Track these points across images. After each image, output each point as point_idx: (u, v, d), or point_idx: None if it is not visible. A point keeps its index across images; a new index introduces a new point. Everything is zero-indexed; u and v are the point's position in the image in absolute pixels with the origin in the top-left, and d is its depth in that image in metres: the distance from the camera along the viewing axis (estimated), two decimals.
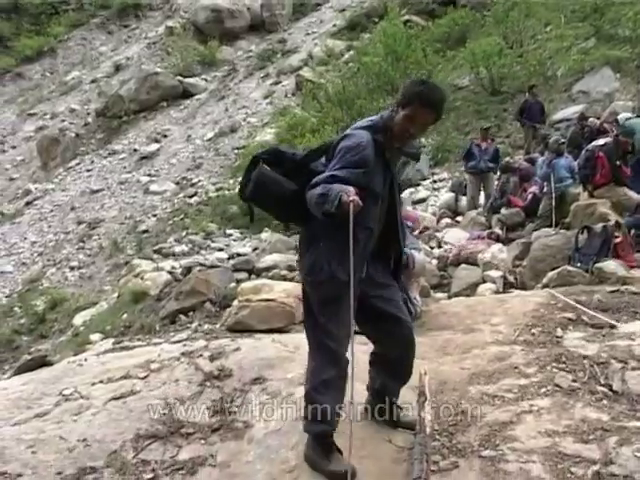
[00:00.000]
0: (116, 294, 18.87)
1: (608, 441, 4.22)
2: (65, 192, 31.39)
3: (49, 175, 33.54)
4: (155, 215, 27.33)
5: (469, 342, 6.05)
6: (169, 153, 32.09)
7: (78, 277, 24.52)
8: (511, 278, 10.73)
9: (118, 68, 40.46)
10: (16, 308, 22.55)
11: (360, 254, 4.15)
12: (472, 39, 27.69)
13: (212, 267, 16.47)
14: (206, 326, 10.53)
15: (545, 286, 8.57)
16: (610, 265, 8.46)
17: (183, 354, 6.34)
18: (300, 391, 5.08)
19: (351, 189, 3.83)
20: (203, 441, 4.99)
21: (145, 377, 5.96)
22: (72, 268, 25.26)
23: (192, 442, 5.01)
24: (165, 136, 33.66)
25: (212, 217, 24.17)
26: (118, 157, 33.05)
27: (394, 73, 26.27)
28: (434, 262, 12.09)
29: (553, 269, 9.16)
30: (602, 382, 4.95)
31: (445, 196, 18.06)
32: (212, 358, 6.09)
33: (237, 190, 4.64)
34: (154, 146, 32.85)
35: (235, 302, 9.11)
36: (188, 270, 16.69)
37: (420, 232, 14.27)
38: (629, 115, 14.15)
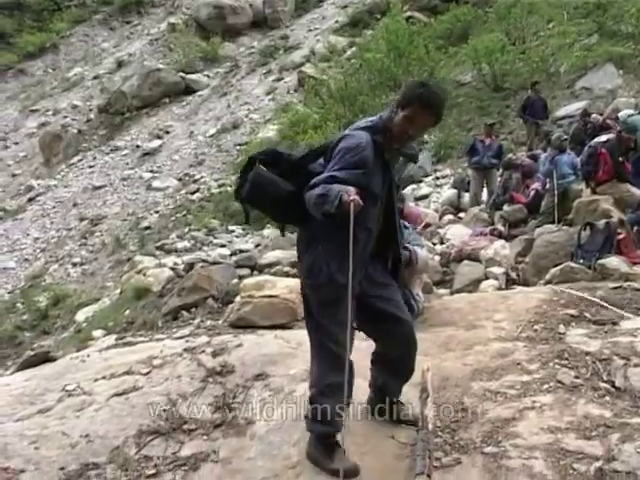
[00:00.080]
0: (118, 290, 18.90)
1: (611, 437, 4.21)
2: (67, 188, 31.38)
3: (51, 171, 33.52)
4: (157, 211, 27.34)
5: (471, 338, 6.04)
6: (171, 149, 32.08)
7: (80, 273, 24.54)
8: (513, 275, 10.73)
9: (120, 64, 40.42)
10: (19, 304, 22.58)
11: (360, 255, 4.14)
12: (474, 35, 27.66)
13: (214, 263, 16.49)
14: (208, 322, 10.50)
15: (548, 282, 8.56)
16: (613, 261, 8.46)
17: (185, 350, 6.34)
18: (302, 387, 5.09)
19: (351, 189, 3.82)
20: (205, 437, 5.00)
21: (147, 373, 5.96)
22: (74, 264, 25.28)
23: (194, 438, 5.01)
24: (167, 132, 33.63)
25: (214, 213, 24.18)
26: (120, 153, 33.02)
27: (396, 69, 26.26)
28: (437, 258, 12.09)
29: (556, 266, 9.14)
30: (605, 379, 4.95)
31: (447, 192, 18.03)
32: (214, 354, 6.09)
33: (233, 191, 4.60)
34: (156, 142, 32.84)
35: (237, 298, 9.10)
36: (190, 266, 16.71)
37: (422, 228, 14.29)
38: (630, 112, 14.13)
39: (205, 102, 35.60)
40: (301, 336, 5.61)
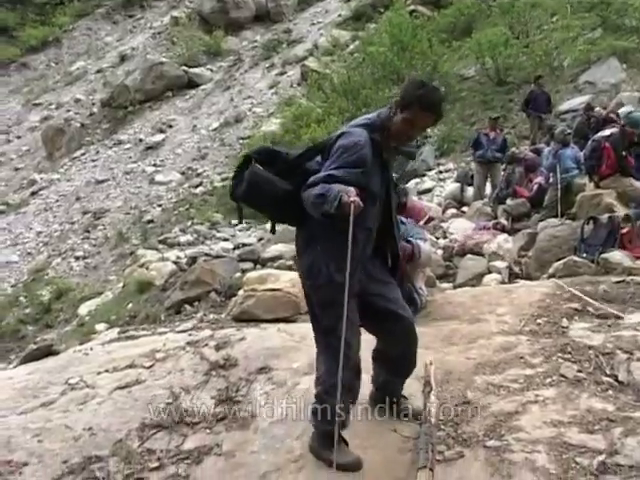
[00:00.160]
0: (121, 284, 18.92)
1: (613, 431, 4.21)
2: (70, 182, 31.38)
3: (54, 165, 33.52)
4: (160, 205, 27.35)
5: (475, 332, 6.04)
6: (174, 143, 32.07)
7: (83, 267, 24.56)
8: (516, 269, 10.72)
9: (123, 58, 40.38)
10: (22, 298, 22.61)
11: (359, 255, 4.13)
12: (478, 29, 27.56)
13: (217, 257, 16.51)
14: (211, 316, 10.51)
15: (551, 276, 8.56)
16: (616, 256, 8.45)
17: (188, 343, 6.35)
18: (305, 381, 5.10)
19: (352, 190, 3.80)
20: (208, 430, 5.01)
21: (150, 366, 5.98)
22: (77, 258, 25.30)
23: (197, 431, 5.02)
24: (170, 126, 33.62)
25: (217, 207, 24.18)
26: (123, 147, 33.02)
27: (400, 63, 26.18)
28: (440, 252, 12.07)
29: (559, 260, 9.14)
30: (607, 372, 4.94)
31: (451, 186, 18.01)
32: (218, 347, 6.10)
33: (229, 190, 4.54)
34: (159, 136, 32.83)
35: (240, 292, 9.10)
36: (193, 260, 16.73)
37: (425, 222, 14.26)
38: (631, 109, 14.12)
39: (208, 96, 35.56)
40: (304, 330, 5.62)
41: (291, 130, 25.98)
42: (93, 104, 37.40)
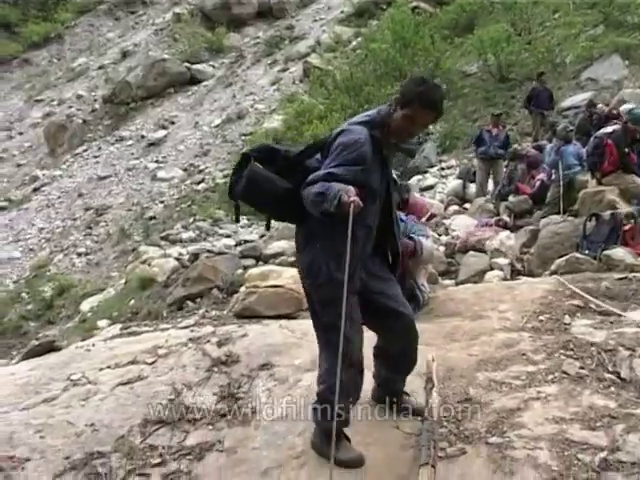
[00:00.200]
0: (123, 280, 18.95)
1: (615, 428, 4.21)
2: (72, 178, 31.43)
3: (56, 161, 33.56)
4: (162, 202, 27.38)
5: (477, 329, 6.03)
6: (176, 140, 32.09)
7: (85, 263, 24.61)
8: (519, 265, 10.72)
9: (125, 54, 40.40)
10: (24, 294, 22.66)
11: (359, 253, 4.12)
12: (480, 26, 27.59)
13: (219, 254, 16.54)
14: (213, 312, 10.52)
15: (553, 273, 8.55)
16: (618, 252, 8.44)
17: (191, 340, 6.34)
18: (307, 377, 5.10)
19: (351, 189, 3.78)
20: (210, 427, 5.01)
21: (152, 362, 5.97)
22: (79, 254, 25.35)
23: (199, 428, 5.02)
24: (172, 123, 33.65)
25: (219, 204, 24.18)
26: (125, 144, 33.06)
27: (402, 60, 26.19)
28: (442, 249, 12.08)
29: (561, 256, 9.14)
30: (610, 369, 4.93)
31: (453, 183, 18.02)
32: (219, 344, 6.10)
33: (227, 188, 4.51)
34: (161, 133, 32.86)
35: (242, 288, 9.11)
36: (195, 256, 16.77)
37: (427, 219, 14.25)
38: (633, 106, 14.10)
39: (210, 92, 35.58)
40: (306, 326, 5.61)
41: (293, 127, 26.01)
42: (95, 100, 37.42)
